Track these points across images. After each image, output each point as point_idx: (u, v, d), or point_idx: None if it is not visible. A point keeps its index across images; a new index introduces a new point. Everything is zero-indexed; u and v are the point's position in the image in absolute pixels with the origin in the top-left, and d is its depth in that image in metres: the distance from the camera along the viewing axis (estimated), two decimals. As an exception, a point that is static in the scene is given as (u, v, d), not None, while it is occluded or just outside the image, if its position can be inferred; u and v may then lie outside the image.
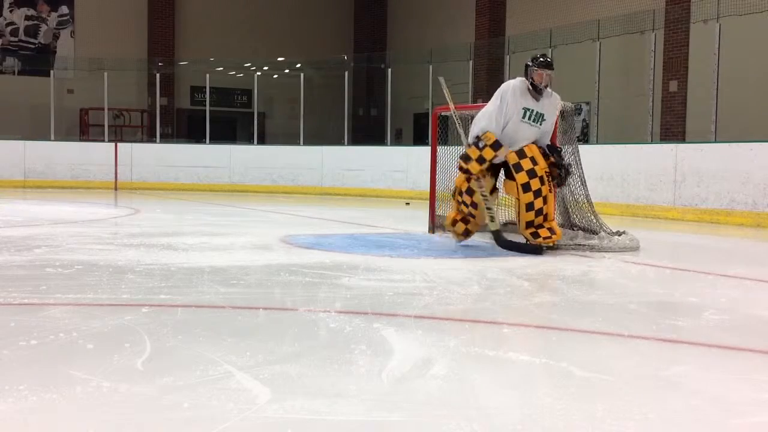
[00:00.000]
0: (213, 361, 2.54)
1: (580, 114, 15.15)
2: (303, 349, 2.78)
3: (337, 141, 16.80)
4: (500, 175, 5.99)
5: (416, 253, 5.74)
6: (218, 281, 4.35)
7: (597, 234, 6.17)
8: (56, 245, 5.74)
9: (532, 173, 5.69)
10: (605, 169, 10.49)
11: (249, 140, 18.21)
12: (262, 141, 18.83)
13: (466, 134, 6.11)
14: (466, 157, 5.78)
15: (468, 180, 5.85)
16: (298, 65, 17.78)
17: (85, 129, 19.53)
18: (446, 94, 6.35)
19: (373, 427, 2.01)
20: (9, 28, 19.83)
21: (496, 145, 5.69)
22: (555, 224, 5.87)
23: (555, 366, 2.65)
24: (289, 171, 15.73)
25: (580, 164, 6.51)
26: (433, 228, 7.20)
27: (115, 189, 15.89)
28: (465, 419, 2.04)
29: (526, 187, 5.69)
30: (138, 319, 3.17)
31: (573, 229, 6.34)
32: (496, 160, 5.77)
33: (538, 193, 5.68)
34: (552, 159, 5.79)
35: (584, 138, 14.71)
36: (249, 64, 18.43)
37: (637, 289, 4.43)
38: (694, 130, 13.08)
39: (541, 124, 5.83)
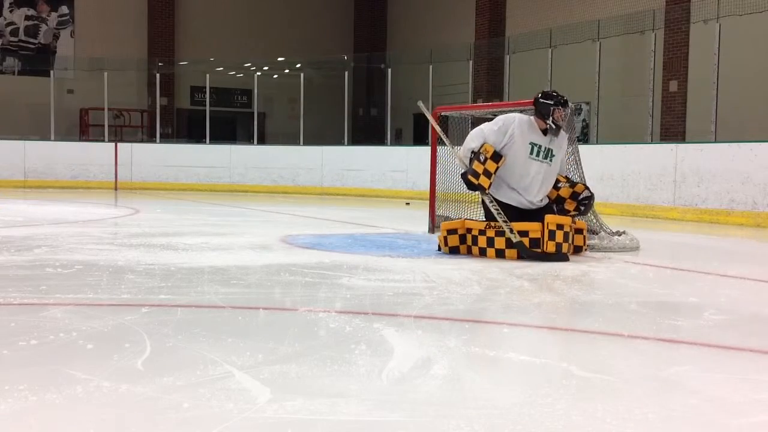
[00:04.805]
0: (213, 361, 2.54)
1: (580, 114, 15.15)
2: (303, 349, 2.78)
3: (337, 141, 16.80)
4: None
5: (416, 253, 5.74)
6: (218, 281, 4.36)
7: (597, 234, 6.17)
8: (56, 245, 5.74)
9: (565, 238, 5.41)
10: (605, 169, 10.49)
11: (249, 140, 18.21)
12: (262, 141, 18.83)
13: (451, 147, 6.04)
14: (474, 173, 5.54)
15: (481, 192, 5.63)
16: (298, 65, 17.79)
17: (85, 129, 19.53)
18: (428, 116, 6.22)
19: (373, 427, 2.01)
20: (9, 28, 19.83)
21: (497, 156, 5.53)
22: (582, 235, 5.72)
23: (555, 366, 2.65)
24: (289, 171, 15.73)
25: (580, 164, 6.51)
26: (433, 228, 7.20)
27: (115, 189, 15.89)
28: (465, 419, 2.04)
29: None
30: (138, 319, 3.17)
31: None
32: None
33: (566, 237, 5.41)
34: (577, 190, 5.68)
35: (584, 138, 14.71)
36: (249, 64, 18.43)
37: (637, 289, 4.43)
38: (694, 130, 13.08)
39: (551, 161, 5.64)
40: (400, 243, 6.40)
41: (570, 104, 5.70)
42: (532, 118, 5.72)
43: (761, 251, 7.13)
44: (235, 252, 5.65)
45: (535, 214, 5.56)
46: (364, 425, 2.02)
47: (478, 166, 5.53)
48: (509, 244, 5.34)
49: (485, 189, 5.56)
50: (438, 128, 6.56)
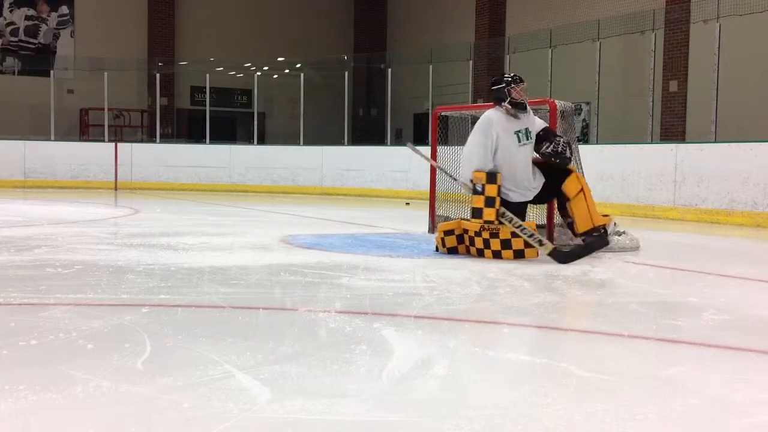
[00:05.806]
0: (213, 361, 2.54)
1: (580, 114, 15.15)
2: (303, 349, 2.78)
3: (337, 141, 16.80)
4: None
5: (416, 253, 5.74)
6: (218, 281, 4.36)
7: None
8: (56, 245, 5.74)
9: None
10: (605, 169, 10.49)
11: (249, 140, 18.21)
12: (262, 141, 18.83)
13: (452, 176, 6.14)
14: (477, 212, 5.40)
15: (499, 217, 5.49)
16: (298, 65, 17.78)
17: (85, 129, 19.53)
18: (421, 156, 6.31)
19: (373, 427, 2.01)
20: (9, 28, 19.83)
21: (491, 177, 5.44)
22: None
23: (555, 366, 2.65)
24: (289, 171, 15.73)
25: (580, 164, 6.50)
26: (433, 228, 7.20)
27: (115, 189, 15.88)
28: (465, 419, 2.04)
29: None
30: (138, 319, 3.17)
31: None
32: (516, 194, 5.60)
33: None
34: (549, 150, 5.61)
35: (584, 138, 14.71)
36: (249, 64, 18.43)
37: (637, 289, 4.43)
38: (694, 130, 13.08)
39: (531, 138, 5.69)
40: (400, 243, 6.40)
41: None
42: (500, 108, 5.69)
43: (761, 251, 7.13)
44: (235, 252, 5.65)
45: (536, 200, 5.77)
46: (364, 425, 2.02)
47: (478, 201, 5.41)
48: (504, 245, 5.30)
49: (493, 221, 5.35)
50: (435, 164, 6.61)
